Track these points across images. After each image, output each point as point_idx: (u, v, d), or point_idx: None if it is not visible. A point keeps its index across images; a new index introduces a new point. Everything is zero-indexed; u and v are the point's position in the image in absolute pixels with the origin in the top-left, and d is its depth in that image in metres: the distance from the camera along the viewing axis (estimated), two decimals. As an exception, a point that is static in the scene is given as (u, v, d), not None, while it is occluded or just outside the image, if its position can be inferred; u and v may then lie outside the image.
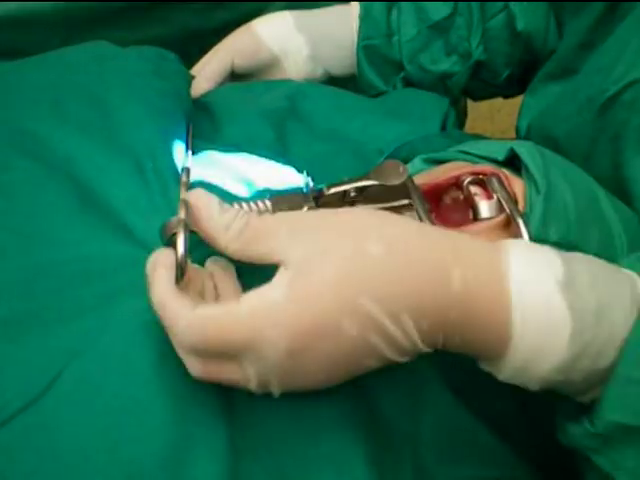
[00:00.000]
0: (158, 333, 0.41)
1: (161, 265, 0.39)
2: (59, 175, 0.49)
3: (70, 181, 0.49)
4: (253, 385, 0.38)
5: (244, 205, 0.45)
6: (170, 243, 0.41)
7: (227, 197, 0.44)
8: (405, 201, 0.48)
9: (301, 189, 0.48)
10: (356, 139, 0.60)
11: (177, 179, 0.50)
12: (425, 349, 0.39)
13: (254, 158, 0.56)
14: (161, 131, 0.52)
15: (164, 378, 0.40)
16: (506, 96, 0.81)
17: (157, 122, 0.53)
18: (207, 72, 0.71)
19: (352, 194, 0.48)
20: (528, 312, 0.38)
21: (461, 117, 0.87)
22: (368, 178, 0.48)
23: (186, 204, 0.41)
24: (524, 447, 0.48)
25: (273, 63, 0.73)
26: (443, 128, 0.64)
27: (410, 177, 0.48)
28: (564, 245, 0.47)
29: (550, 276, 0.38)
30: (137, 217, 0.47)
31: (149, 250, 0.44)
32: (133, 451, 0.39)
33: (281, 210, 0.46)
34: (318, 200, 0.48)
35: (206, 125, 0.60)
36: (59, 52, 0.61)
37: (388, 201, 0.49)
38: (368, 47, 0.72)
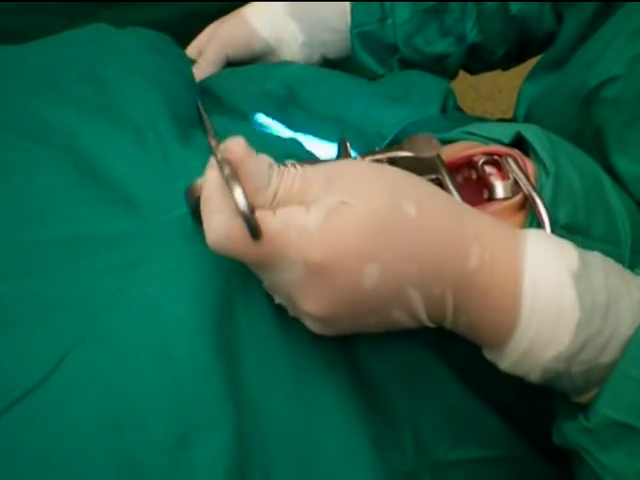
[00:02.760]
0: (163, 315, 0.41)
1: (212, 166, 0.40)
2: (59, 153, 0.49)
3: (70, 158, 0.48)
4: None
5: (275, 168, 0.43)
6: (195, 207, 0.41)
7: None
8: (432, 175, 0.48)
9: (335, 156, 0.47)
10: (356, 124, 0.60)
11: (179, 146, 0.50)
12: (429, 322, 0.40)
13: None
14: (160, 101, 0.52)
15: (169, 360, 0.40)
16: (504, 68, 0.81)
17: (156, 92, 0.53)
18: (202, 63, 0.72)
19: (384, 164, 0.47)
20: (538, 298, 0.38)
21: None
22: (401, 149, 0.47)
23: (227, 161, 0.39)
24: (527, 428, 0.48)
25: (268, 51, 0.73)
26: (443, 110, 0.64)
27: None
28: (573, 228, 0.47)
29: (565, 266, 0.39)
30: (139, 188, 0.47)
31: (152, 221, 0.44)
32: (137, 434, 0.39)
33: None
34: None
35: (209, 107, 0.60)
36: (57, 36, 0.60)
37: (417, 174, 0.48)
38: (362, 33, 0.71)
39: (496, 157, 0.49)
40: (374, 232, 0.37)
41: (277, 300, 0.42)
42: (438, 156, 0.47)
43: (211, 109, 0.58)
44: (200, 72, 0.70)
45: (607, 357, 0.38)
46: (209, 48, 0.72)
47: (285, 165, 0.43)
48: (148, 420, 0.39)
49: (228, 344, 0.42)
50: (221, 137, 0.44)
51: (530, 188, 0.47)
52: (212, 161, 0.40)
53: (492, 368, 0.42)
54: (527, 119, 0.67)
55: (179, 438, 0.39)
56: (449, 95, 0.65)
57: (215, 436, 0.39)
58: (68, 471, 0.38)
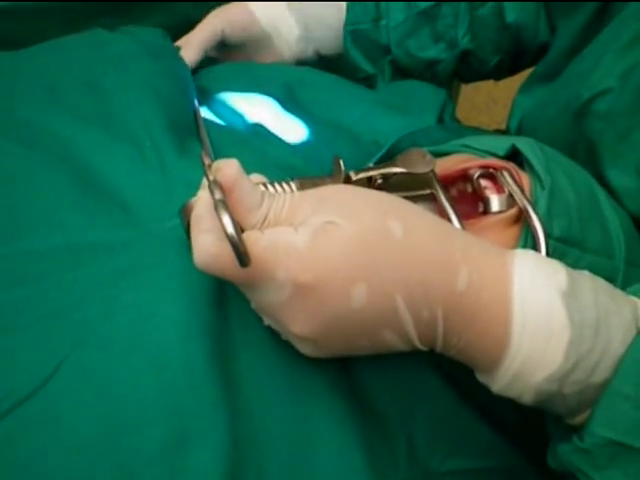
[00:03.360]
0: (157, 321, 0.41)
1: (204, 188, 0.40)
2: (55, 161, 0.49)
3: (66, 166, 0.48)
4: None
5: (269, 187, 0.43)
6: (189, 226, 0.40)
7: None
8: (427, 190, 0.48)
9: (327, 173, 0.47)
10: (352, 129, 0.61)
11: (176, 155, 0.50)
12: (420, 345, 0.40)
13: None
14: (157, 109, 0.52)
15: (164, 366, 0.40)
16: (497, 79, 0.81)
17: (153, 101, 0.53)
18: (197, 38, 0.72)
19: (378, 181, 0.48)
20: (528, 320, 0.38)
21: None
22: (395, 165, 0.47)
23: (218, 185, 0.39)
24: (521, 438, 0.48)
25: (264, 39, 0.74)
26: (440, 120, 0.64)
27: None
28: (567, 240, 0.47)
29: (553, 285, 0.39)
30: (136, 196, 0.47)
31: (148, 230, 0.43)
32: (132, 439, 0.39)
33: None
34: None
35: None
36: (54, 41, 0.60)
37: (410, 190, 0.48)
38: (355, 32, 0.72)
39: (491, 170, 0.49)
40: (361, 251, 0.37)
41: (266, 322, 0.42)
42: (432, 170, 0.47)
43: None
44: (192, 49, 0.70)
45: (599, 376, 0.38)
46: (203, 25, 0.73)
47: (280, 183, 0.43)
48: (143, 426, 0.39)
49: (222, 349, 0.42)
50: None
51: (525, 202, 0.47)
52: (205, 182, 0.40)
53: None
54: (520, 131, 0.67)
55: (174, 444, 0.39)
56: (447, 104, 0.66)
57: (210, 442, 0.39)
58: (63, 478, 0.38)
